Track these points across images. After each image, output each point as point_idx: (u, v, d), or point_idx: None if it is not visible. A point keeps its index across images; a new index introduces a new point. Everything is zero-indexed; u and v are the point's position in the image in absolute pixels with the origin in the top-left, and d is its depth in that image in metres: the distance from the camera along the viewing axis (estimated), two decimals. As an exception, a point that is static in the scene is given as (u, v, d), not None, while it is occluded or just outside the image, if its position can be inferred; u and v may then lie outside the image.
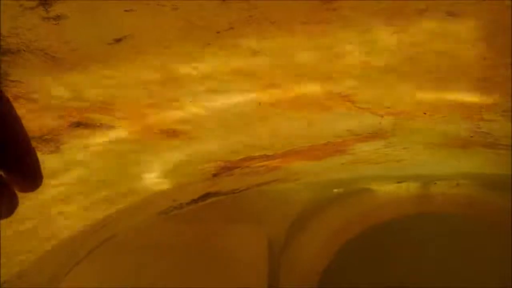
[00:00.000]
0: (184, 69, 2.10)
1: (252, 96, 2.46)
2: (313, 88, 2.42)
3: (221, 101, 2.50)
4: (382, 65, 2.14)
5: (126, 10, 1.68)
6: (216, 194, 4.46)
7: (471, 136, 3.19)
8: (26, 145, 0.56)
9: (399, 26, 1.81)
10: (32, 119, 2.24)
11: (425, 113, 2.78)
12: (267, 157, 3.61)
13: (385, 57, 2.06)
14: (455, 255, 7.64)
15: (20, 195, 0.58)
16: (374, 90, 2.47)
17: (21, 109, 2.14)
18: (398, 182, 5.83)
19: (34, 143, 2.64)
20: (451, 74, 2.23)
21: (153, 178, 3.43)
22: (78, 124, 2.36)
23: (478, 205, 5.88)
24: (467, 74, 2.22)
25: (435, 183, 5.80)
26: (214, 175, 3.77)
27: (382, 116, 2.84)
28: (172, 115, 2.59)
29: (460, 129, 3.06)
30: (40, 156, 2.58)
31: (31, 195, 2.75)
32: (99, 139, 2.58)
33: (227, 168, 3.70)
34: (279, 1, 1.67)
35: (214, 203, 4.73)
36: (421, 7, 1.70)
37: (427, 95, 2.56)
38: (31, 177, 0.57)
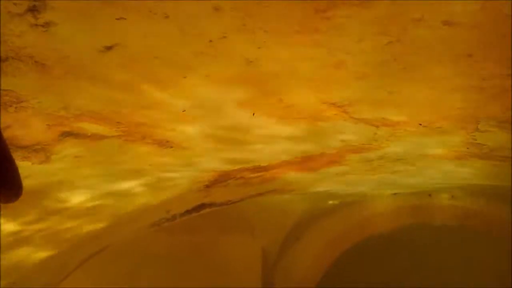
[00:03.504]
0: (176, 78, 2.07)
1: (246, 106, 2.43)
2: (307, 98, 2.39)
3: (215, 111, 2.47)
4: (377, 75, 2.12)
5: (117, 18, 1.65)
6: (210, 205, 4.43)
7: (467, 148, 3.17)
8: (6, 155, 0.56)
9: (394, 36, 1.79)
10: (22, 129, 2.21)
11: (420, 124, 2.76)
12: (261, 168, 3.58)
13: (380, 67, 2.04)
14: (450, 266, 7.63)
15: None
16: (369, 101, 2.45)
17: (10, 118, 2.10)
18: (393, 194, 5.82)
19: (24, 153, 2.58)
20: (447, 84, 2.21)
21: (146, 189, 3.39)
22: (69, 134, 2.33)
23: (473, 217, 5.87)
24: (463, 85, 2.20)
25: (430, 195, 5.79)
26: (208, 186, 3.74)
27: (377, 127, 2.82)
28: (165, 125, 2.56)
29: (455, 140, 3.04)
30: (30, 166, 2.54)
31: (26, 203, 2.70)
32: (89, 149, 2.54)
33: (221, 179, 3.67)
34: (273, 10, 1.65)
35: (208, 214, 4.70)
36: (417, 16, 1.68)
37: (423, 106, 2.54)
38: (11, 187, 0.57)
